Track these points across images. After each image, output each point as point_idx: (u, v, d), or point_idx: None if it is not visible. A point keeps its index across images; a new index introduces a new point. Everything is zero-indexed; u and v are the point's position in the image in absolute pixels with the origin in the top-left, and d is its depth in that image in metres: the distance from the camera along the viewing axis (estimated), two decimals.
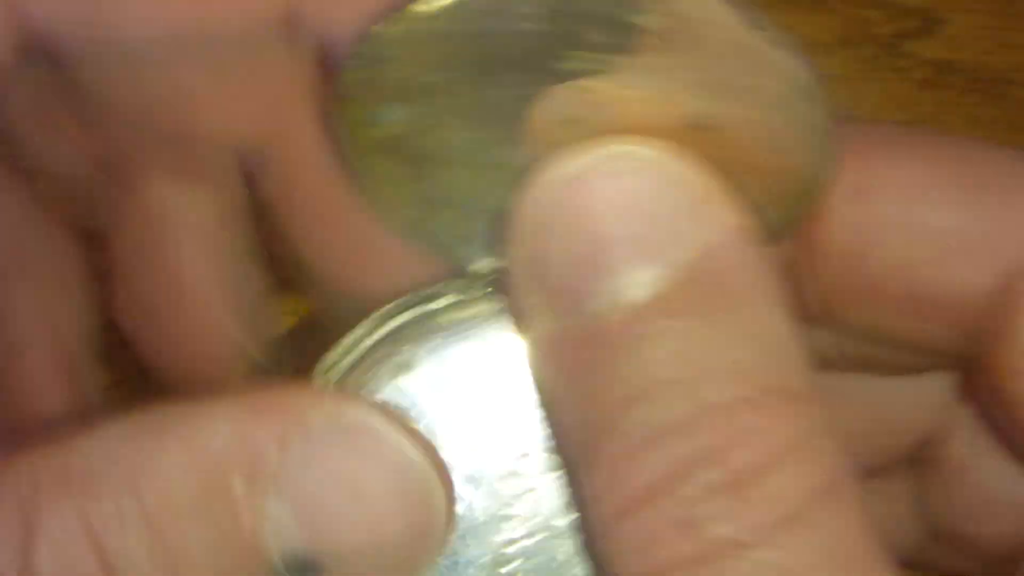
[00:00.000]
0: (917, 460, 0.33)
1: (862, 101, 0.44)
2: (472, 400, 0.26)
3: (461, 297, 0.27)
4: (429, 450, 0.24)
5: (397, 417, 0.24)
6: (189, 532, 0.22)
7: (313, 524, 0.23)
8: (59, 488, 0.21)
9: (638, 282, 0.23)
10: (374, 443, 0.24)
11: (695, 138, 0.25)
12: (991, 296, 0.27)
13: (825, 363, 0.31)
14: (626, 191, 0.24)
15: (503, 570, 0.26)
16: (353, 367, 0.26)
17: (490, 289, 0.27)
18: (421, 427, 0.25)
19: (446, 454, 0.25)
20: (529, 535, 0.26)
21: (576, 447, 0.24)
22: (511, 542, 0.26)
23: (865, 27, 0.45)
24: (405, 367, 0.26)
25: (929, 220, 0.28)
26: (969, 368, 0.29)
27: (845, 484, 0.22)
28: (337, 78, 0.24)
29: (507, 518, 0.26)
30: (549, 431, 0.26)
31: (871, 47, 0.45)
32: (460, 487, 0.25)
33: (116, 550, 0.21)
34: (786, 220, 0.26)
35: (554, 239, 0.24)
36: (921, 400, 0.33)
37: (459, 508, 0.25)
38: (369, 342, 0.26)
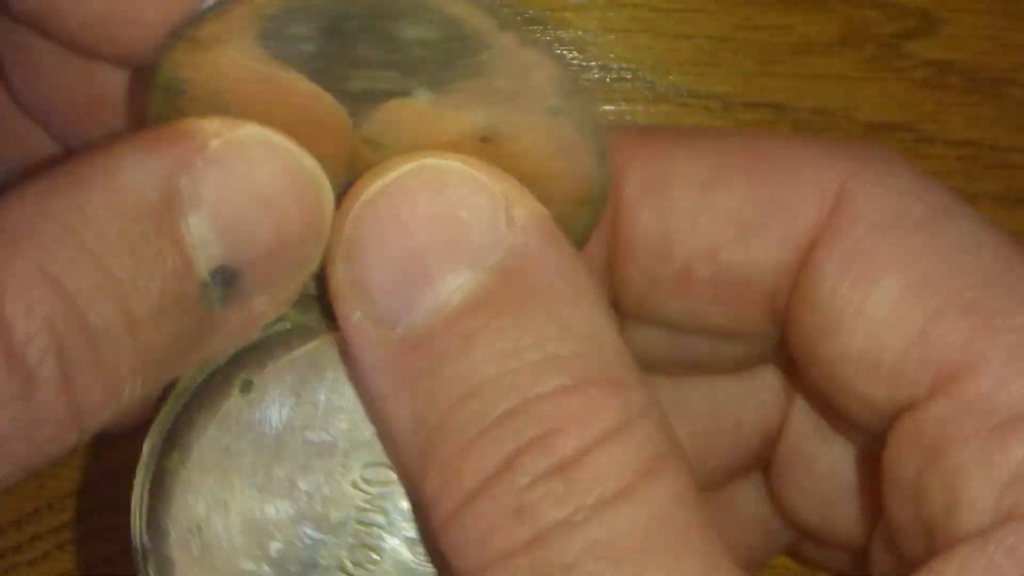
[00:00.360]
0: (767, 458, 0.34)
1: (862, 101, 0.44)
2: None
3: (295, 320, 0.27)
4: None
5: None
6: (128, 262, 0.24)
7: (230, 234, 0.25)
8: (9, 245, 0.23)
9: (455, 287, 0.24)
10: (270, 151, 0.25)
11: (485, 150, 0.26)
12: (786, 270, 0.29)
13: (656, 365, 0.32)
14: (435, 201, 0.25)
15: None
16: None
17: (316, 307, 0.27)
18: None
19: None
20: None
21: (412, 454, 0.25)
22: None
23: (865, 27, 0.45)
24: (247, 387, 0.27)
25: (723, 204, 0.29)
26: (789, 354, 0.30)
27: (670, 462, 0.23)
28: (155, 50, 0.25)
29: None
30: (384, 444, 0.26)
31: (871, 47, 0.45)
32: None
33: (72, 288, 0.23)
34: (583, 221, 0.27)
35: (371, 255, 0.25)
36: (757, 397, 0.34)
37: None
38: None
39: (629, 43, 0.45)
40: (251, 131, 0.25)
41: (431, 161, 0.25)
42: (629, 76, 0.44)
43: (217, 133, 0.25)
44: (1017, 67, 0.45)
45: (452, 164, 0.25)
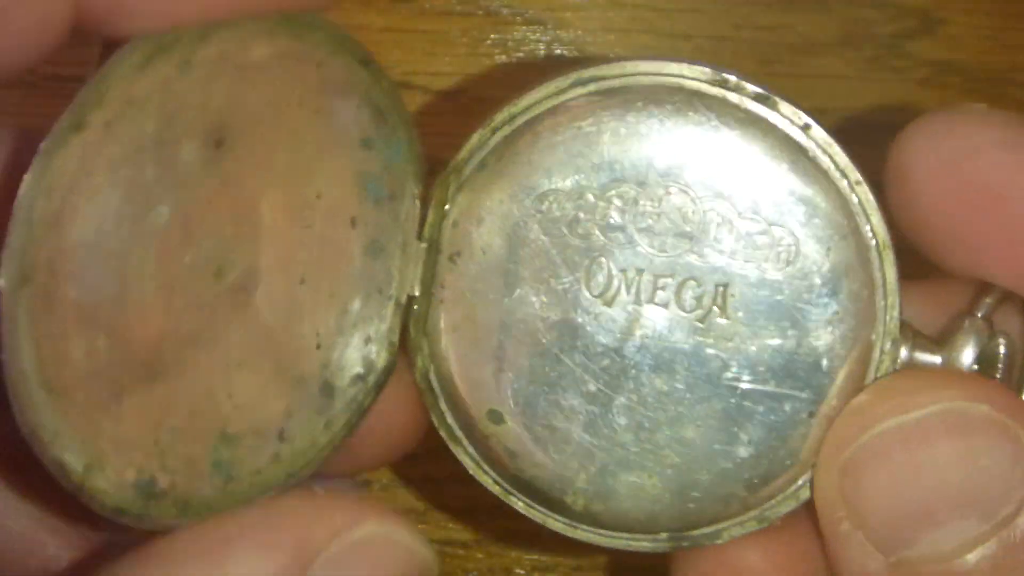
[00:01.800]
0: None
1: (862, 101, 0.44)
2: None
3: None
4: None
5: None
6: None
7: None
8: None
9: (961, 536, 0.24)
10: (388, 552, 0.25)
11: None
12: None
13: None
14: (958, 449, 0.24)
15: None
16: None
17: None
18: None
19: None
20: None
21: None
22: None
23: (865, 27, 0.45)
24: None
25: None
26: None
27: None
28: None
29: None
30: None
31: (871, 47, 0.45)
32: None
33: None
34: None
35: (875, 485, 0.25)
36: None
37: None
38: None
39: (629, 43, 0.45)
40: (372, 530, 0.25)
41: (961, 404, 0.25)
42: None
43: (336, 532, 0.25)
44: (1017, 67, 0.45)
45: (983, 409, 0.25)
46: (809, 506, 0.27)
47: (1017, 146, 0.26)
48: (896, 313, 0.27)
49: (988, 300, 0.27)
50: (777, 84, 0.44)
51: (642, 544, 0.29)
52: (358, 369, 0.29)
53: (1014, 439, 0.24)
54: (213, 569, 0.24)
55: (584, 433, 0.28)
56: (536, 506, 0.29)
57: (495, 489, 0.29)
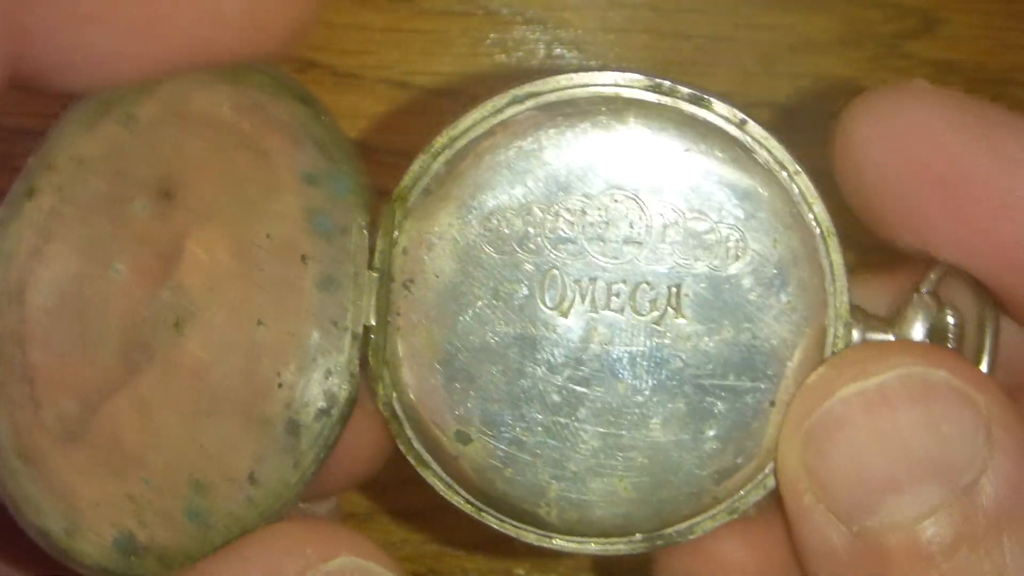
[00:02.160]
0: None
1: None
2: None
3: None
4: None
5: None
6: None
7: None
8: None
9: (922, 503, 0.24)
10: None
11: None
12: None
13: None
14: (917, 414, 0.24)
15: None
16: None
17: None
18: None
19: None
20: None
21: None
22: None
23: (865, 27, 0.45)
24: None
25: None
26: None
27: None
28: None
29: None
30: None
31: (871, 47, 0.45)
32: None
33: None
34: None
35: (836, 453, 0.25)
36: None
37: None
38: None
39: (629, 43, 0.45)
40: (344, 563, 0.25)
41: (920, 369, 0.25)
42: None
43: (308, 565, 0.25)
44: (1017, 67, 0.45)
45: (941, 375, 0.25)
46: (778, 494, 0.27)
47: (963, 124, 0.26)
48: (845, 298, 0.28)
49: (933, 275, 0.28)
50: (777, 84, 0.45)
51: (618, 547, 0.29)
52: (321, 404, 0.29)
53: (973, 406, 0.24)
54: None
55: (552, 444, 0.28)
56: (509, 520, 0.29)
57: (467, 508, 0.29)
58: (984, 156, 0.25)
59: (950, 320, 0.27)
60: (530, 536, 0.29)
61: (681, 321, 0.28)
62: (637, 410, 0.28)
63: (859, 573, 0.24)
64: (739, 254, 0.28)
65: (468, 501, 0.29)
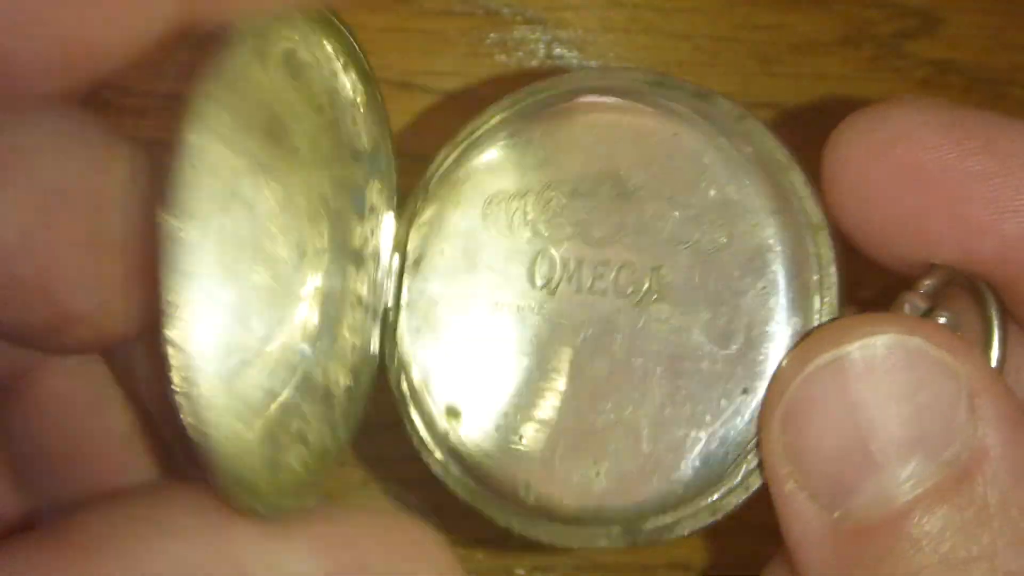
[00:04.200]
0: None
1: (862, 101, 0.44)
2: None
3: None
4: None
5: None
6: None
7: None
8: None
9: (904, 478, 0.23)
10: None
11: None
12: None
13: None
14: (894, 382, 0.23)
15: None
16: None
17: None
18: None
19: None
20: None
21: None
22: None
23: (865, 27, 0.45)
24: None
25: None
26: None
27: None
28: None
29: None
30: None
31: (871, 47, 0.45)
32: None
33: None
34: None
35: (814, 429, 0.24)
36: None
37: None
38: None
39: (629, 43, 0.45)
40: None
41: (892, 337, 0.24)
42: None
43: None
44: (1017, 67, 0.45)
45: (916, 342, 0.24)
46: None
47: (953, 128, 0.25)
48: (834, 292, 0.27)
49: (929, 280, 0.27)
50: (777, 84, 0.45)
51: (599, 541, 0.29)
52: (347, 382, 0.29)
53: (953, 375, 0.23)
54: (275, 557, 0.24)
55: (534, 423, 0.29)
56: (495, 503, 0.30)
57: (459, 490, 0.30)
58: (978, 157, 0.25)
59: (941, 320, 0.27)
60: (516, 523, 0.30)
61: (661, 304, 0.28)
62: (616, 392, 0.28)
63: (847, 560, 0.23)
64: (720, 240, 0.28)
65: (459, 481, 0.30)
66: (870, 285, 0.29)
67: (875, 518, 0.23)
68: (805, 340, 0.26)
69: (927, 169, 0.25)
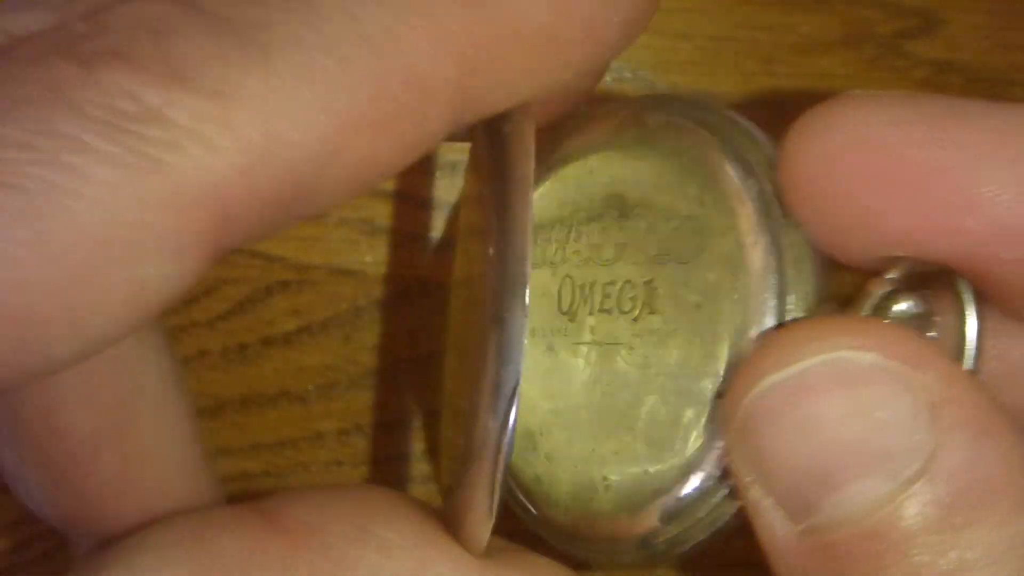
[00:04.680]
0: None
1: None
2: None
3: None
4: None
5: None
6: None
7: None
8: None
9: (865, 497, 0.22)
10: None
11: None
12: None
13: None
14: (847, 401, 0.23)
15: None
16: None
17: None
18: None
19: None
20: None
21: None
22: None
23: (865, 27, 0.45)
24: None
25: None
26: None
27: None
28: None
29: None
30: None
31: (871, 47, 0.45)
32: None
33: None
34: None
35: (781, 444, 0.23)
36: None
37: None
38: None
39: None
40: None
41: (845, 354, 0.23)
42: (629, 76, 0.44)
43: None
44: (1017, 67, 0.45)
45: (869, 358, 0.23)
46: None
47: (906, 120, 0.24)
48: (811, 288, 0.27)
49: (895, 270, 0.26)
50: (777, 84, 0.45)
51: (622, 558, 0.29)
52: None
53: (909, 388, 0.22)
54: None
55: (551, 443, 0.30)
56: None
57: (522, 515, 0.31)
58: (935, 151, 0.24)
59: (909, 306, 0.26)
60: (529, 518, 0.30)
61: (653, 315, 0.28)
62: (619, 406, 0.29)
63: (813, 571, 0.23)
64: (699, 247, 0.28)
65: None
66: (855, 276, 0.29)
67: (840, 535, 0.22)
68: (761, 348, 0.25)
69: (883, 168, 0.24)
